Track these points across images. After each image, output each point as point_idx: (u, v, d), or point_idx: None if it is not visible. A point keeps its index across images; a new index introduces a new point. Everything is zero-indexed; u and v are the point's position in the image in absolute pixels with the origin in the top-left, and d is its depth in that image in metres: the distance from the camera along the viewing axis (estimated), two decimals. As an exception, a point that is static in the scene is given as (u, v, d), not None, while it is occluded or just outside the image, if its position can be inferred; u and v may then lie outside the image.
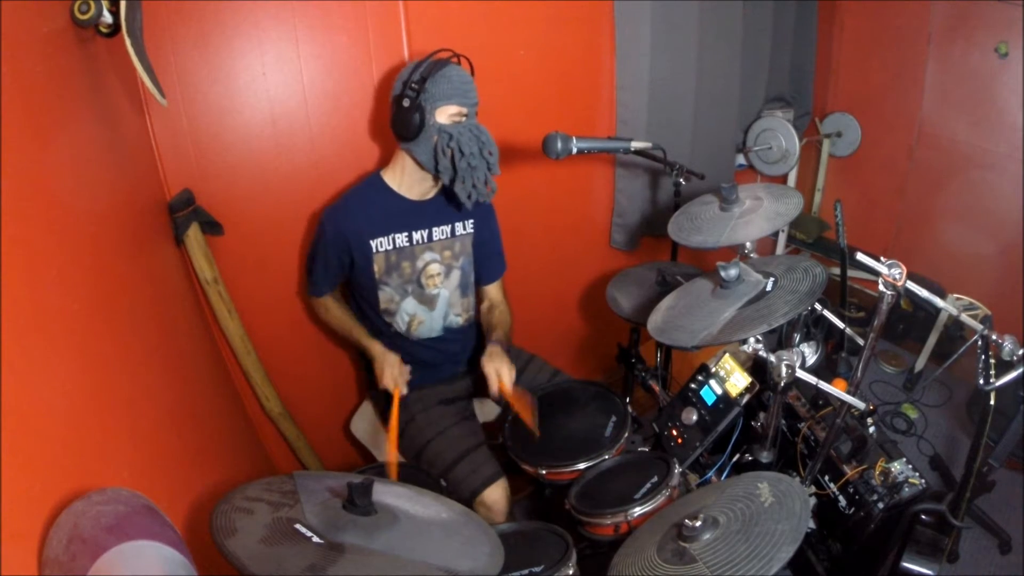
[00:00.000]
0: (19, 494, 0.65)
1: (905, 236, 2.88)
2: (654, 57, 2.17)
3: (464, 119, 1.49)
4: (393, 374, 1.58)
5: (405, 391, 1.59)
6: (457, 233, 1.70)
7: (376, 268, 1.62)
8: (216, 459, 1.44)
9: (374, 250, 1.60)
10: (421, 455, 1.62)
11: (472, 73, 1.55)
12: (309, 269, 1.70)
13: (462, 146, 1.46)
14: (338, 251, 1.61)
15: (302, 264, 1.86)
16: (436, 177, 1.55)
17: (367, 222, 1.59)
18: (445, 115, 1.47)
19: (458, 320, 1.77)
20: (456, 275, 1.73)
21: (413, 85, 1.44)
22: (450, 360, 1.80)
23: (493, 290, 1.84)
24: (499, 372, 1.55)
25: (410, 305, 1.69)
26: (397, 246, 1.62)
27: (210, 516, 0.83)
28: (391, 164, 1.62)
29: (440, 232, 1.67)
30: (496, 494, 1.54)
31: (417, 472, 1.55)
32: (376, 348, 1.64)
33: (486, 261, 1.79)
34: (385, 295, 1.66)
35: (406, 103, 1.45)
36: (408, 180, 1.61)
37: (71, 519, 0.69)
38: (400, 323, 1.71)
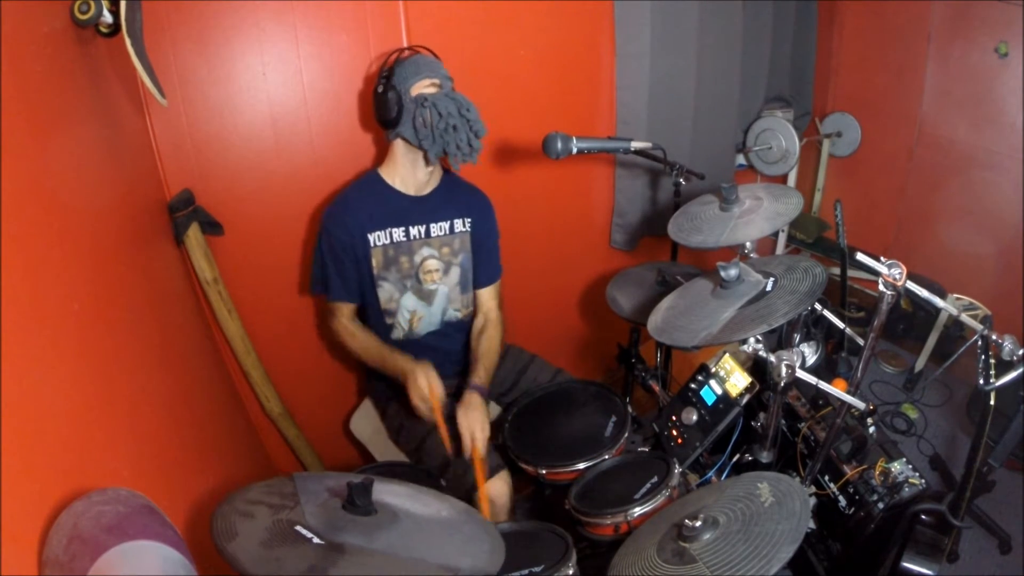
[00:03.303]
0: (19, 494, 0.65)
1: (905, 236, 2.88)
2: (654, 57, 2.17)
3: (438, 90, 1.54)
4: (420, 386, 1.50)
5: (441, 392, 1.51)
6: (456, 230, 1.70)
7: (374, 263, 1.63)
8: (216, 459, 1.43)
9: (371, 244, 1.62)
10: (422, 448, 1.62)
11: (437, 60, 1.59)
12: (322, 276, 1.65)
13: (439, 108, 1.49)
14: (344, 249, 1.60)
15: (302, 264, 1.86)
16: (422, 149, 1.54)
17: (365, 217, 1.60)
18: (419, 89, 1.53)
19: (457, 315, 1.78)
20: (456, 272, 1.73)
21: (385, 73, 1.54)
22: (450, 359, 1.80)
23: (487, 296, 1.80)
24: (473, 432, 1.49)
25: (409, 301, 1.69)
26: (394, 240, 1.63)
27: (211, 519, 0.82)
28: (386, 160, 1.64)
29: (438, 228, 1.68)
30: (498, 486, 1.53)
31: (417, 472, 1.55)
32: (406, 364, 1.55)
33: (481, 261, 1.77)
34: (384, 292, 1.66)
35: (381, 89, 1.53)
36: (403, 171, 1.63)
37: (71, 519, 0.69)
38: (402, 322, 1.71)
